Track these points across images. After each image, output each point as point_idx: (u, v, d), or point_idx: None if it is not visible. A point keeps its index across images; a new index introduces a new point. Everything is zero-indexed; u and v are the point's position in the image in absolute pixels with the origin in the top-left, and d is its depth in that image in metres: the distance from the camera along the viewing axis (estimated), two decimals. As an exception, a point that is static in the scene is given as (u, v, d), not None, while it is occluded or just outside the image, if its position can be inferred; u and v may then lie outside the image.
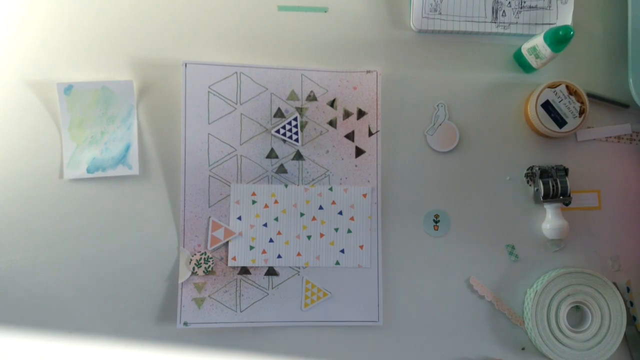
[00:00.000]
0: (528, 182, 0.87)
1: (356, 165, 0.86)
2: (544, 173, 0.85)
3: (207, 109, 0.84)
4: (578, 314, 0.86)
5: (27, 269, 0.82)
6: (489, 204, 0.87)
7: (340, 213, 0.85)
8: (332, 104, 0.86)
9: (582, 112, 0.84)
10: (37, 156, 0.83)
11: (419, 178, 0.87)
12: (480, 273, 0.86)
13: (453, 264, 0.86)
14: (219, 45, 0.86)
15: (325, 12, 0.87)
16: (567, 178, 0.85)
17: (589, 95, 0.86)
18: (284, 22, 0.87)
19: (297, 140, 0.85)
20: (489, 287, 0.86)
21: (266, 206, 0.85)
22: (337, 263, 0.85)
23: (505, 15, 0.87)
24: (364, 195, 0.86)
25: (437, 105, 0.87)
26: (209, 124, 0.84)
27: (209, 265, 0.83)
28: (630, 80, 0.86)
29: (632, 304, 0.88)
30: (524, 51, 0.85)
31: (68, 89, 0.83)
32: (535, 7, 0.87)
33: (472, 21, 0.87)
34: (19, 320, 0.82)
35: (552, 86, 0.84)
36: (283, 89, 0.86)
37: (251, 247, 0.84)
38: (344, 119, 0.86)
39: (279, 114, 0.85)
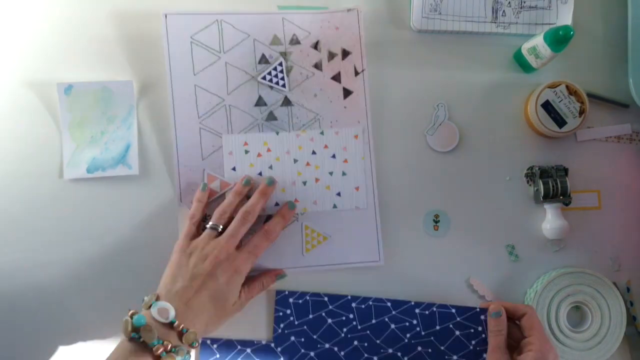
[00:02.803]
0: (528, 182, 0.87)
1: (345, 107, 0.86)
2: (544, 173, 0.86)
3: (191, 60, 0.84)
4: (578, 314, 0.86)
5: (27, 269, 0.82)
6: (489, 204, 0.87)
7: (334, 156, 0.85)
8: (315, 46, 0.86)
9: (582, 112, 0.84)
10: (37, 156, 0.83)
11: (419, 178, 0.87)
12: (480, 273, 0.86)
13: (453, 264, 0.86)
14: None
15: (325, 12, 0.87)
16: (567, 178, 0.85)
17: (589, 95, 0.86)
18: (284, 22, 0.87)
19: (284, 85, 0.85)
20: (489, 287, 0.86)
21: (259, 155, 0.84)
22: (335, 206, 0.85)
23: (505, 15, 0.88)
24: (356, 137, 0.85)
25: (437, 105, 0.87)
26: (194, 75, 0.84)
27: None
28: (630, 80, 0.86)
29: (632, 304, 0.88)
30: (524, 51, 0.85)
31: (68, 89, 0.83)
32: (535, 7, 0.87)
33: (472, 21, 0.87)
34: (19, 320, 0.82)
35: (552, 86, 0.84)
36: (265, 34, 0.85)
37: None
38: (329, 61, 0.86)
39: (264, 60, 0.85)
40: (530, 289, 0.86)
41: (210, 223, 0.78)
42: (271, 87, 0.84)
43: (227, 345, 0.81)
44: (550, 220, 0.85)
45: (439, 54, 0.88)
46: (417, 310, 0.82)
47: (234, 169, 0.84)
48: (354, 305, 0.82)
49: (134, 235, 0.83)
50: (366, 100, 0.86)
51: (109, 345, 0.84)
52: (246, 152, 0.84)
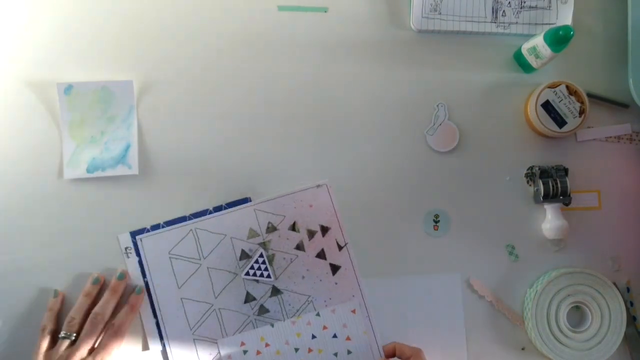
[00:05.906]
0: (528, 182, 0.87)
1: (336, 283, 0.83)
2: (544, 173, 0.86)
3: (172, 274, 0.82)
4: (578, 314, 0.86)
5: (27, 268, 0.82)
6: (489, 204, 0.87)
7: (335, 336, 0.82)
8: (293, 227, 0.84)
9: (582, 112, 0.84)
10: (37, 156, 0.83)
11: (419, 178, 0.87)
12: (480, 273, 0.86)
13: (453, 264, 0.86)
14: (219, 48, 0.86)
15: (325, 12, 0.87)
16: (567, 178, 0.85)
17: (589, 95, 0.86)
18: (284, 22, 0.87)
19: (269, 276, 0.82)
20: (489, 287, 0.86)
21: (258, 352, 0.81)
22: None
23: (505, 15, 0.88)
24: (353, 311, 0.83)
25: (437, 105, 0.87)
26: (178, 288, 0.82)
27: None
28: (630, 80, 0.86)
29: (632, 304, 0.88)
30: (524, 51, 0.85)
31: (68, 89, 0.83)
32: (535, 7, 0.88)
33: (472, 21, 0.87)
34: (19, 320, 0.82)
35: (552, 86, 0.84)
36: (241, 230, 0.83)
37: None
38: (309, 240, 0.84)
39: (244, 255, 0.83)
40: (530, 289, 0.86)
41: (61, 333, 0.77)
42: (257, 281, 0.82)
43: None
44: (550, 220, 0.85)
45: (439, 54, 0.88)
46: None
47: None
48: None
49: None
50: (355, 272, 0.83)
51: (109, 345, 0.83)
52: (244, 352, 0.81)
